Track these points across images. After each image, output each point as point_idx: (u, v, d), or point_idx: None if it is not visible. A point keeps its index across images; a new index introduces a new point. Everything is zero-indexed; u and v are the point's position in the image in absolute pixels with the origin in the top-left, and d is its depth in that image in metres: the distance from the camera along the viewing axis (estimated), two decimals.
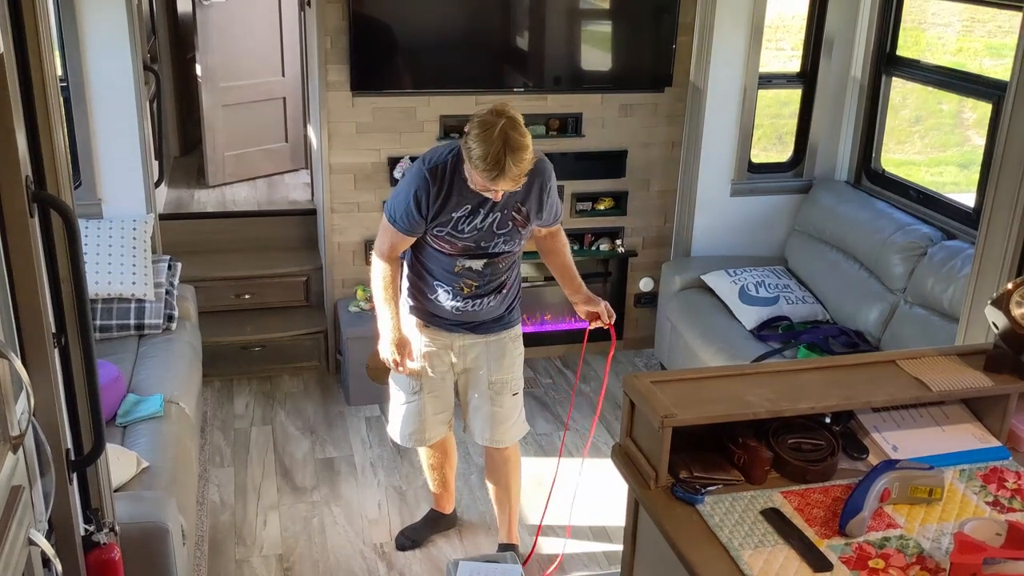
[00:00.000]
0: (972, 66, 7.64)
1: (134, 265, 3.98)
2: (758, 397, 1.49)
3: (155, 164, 4.68)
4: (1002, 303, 1.54)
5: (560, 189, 3.20)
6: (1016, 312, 1.53)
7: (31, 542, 1.20)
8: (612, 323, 3.09)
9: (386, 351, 3.03)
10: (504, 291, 3.02)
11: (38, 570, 1.27)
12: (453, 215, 2.82)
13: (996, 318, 1.56)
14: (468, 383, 3.16)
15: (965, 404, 1.65)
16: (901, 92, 5.42)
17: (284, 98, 6.14)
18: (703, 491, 1.44)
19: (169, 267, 4.15)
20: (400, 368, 3.03)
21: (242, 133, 6.01)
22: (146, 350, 3.85)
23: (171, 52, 6.34)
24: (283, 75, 6.08)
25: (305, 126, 6.02)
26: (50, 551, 1.27)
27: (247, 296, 4.81)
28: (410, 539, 3.52)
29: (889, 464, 1.46)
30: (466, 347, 3.07)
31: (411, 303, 3.07)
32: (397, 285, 3.03)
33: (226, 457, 4.07)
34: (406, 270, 3.05)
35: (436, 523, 3.56)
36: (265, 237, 5.10)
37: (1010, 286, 1.54)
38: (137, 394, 3.47)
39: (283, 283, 4.88)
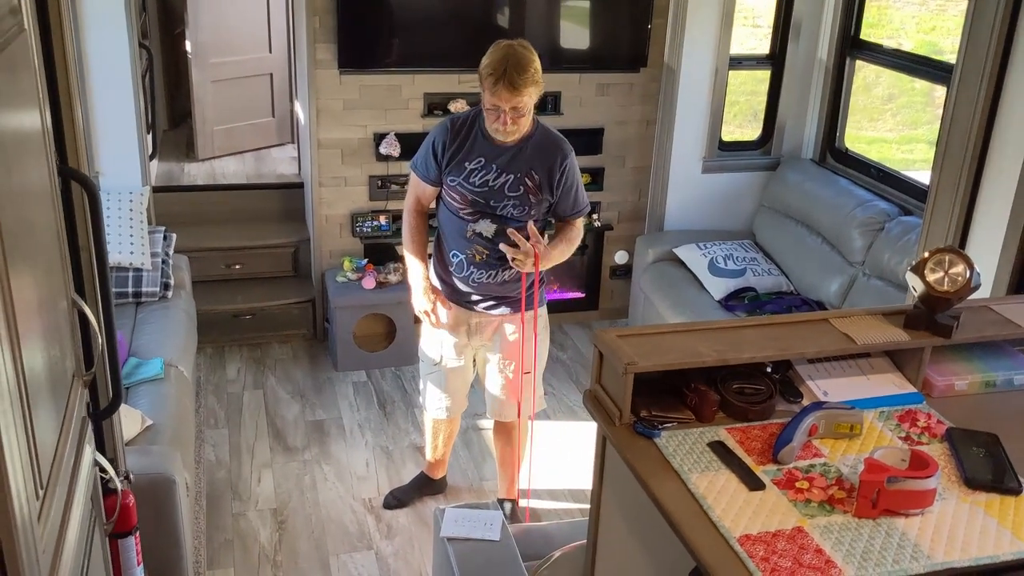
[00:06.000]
0: (944, 44, 7.84)
1: (131, 236, 4.15)
2: (708, 348, 1.73)
3: (148, 138, 4.84)
4: (919, 270, 1.78)
5: None
6: (930, 277, 1.76)
7: (96, 463, 1.41)
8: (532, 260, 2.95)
9: (418, 301, 3.17)
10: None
11: (98, 488, 1.49)
12: (467, 165, 3.00)
13: (915, 282, 1.80)
14: (483, 359, 3.35)
15: (888, 356, 1.90)
16: (875, 70, 5.61)
17: (271, 74, 6.30)
18: (660, 427, 1.69)
19: (164, 237, 4.33)
20: (433, 317, 3.16)
21: (230, 108, 6.16)
22: (144, 317, 4.03)
23: (159, 27, 6.47)
24: (270, 51, 6.23)
25: (291, 101, 6.18)
26: (111, 469, 1.48)
27: (237, 266, 4.99)
28: (397, 499, 3.70)
29: (817, 405, 1.69)
30: (482, 324, 3.22)
31: (436, 278, 3.22)
32: (424, 237, 3.20)
33: (220, 419, 4.27)
34: (434, 242, 3.23)
35: (424, 487, 3.74)
36: (254, 209, 5.26)
37: (926, 255, 1.78)
38: (138, 358, 3.66)
39: (272, 254, 5.06)
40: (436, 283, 3.22)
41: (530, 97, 2.89)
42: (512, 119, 2.89)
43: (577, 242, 3.16)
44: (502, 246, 3.00)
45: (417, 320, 3.39)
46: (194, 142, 6.14)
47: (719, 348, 1.72)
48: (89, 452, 1.40)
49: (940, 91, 7.89)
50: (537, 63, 2.88)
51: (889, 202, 4.32)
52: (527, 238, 2.99)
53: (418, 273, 3.17)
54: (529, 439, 3.53)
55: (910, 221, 4.12)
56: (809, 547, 1.42)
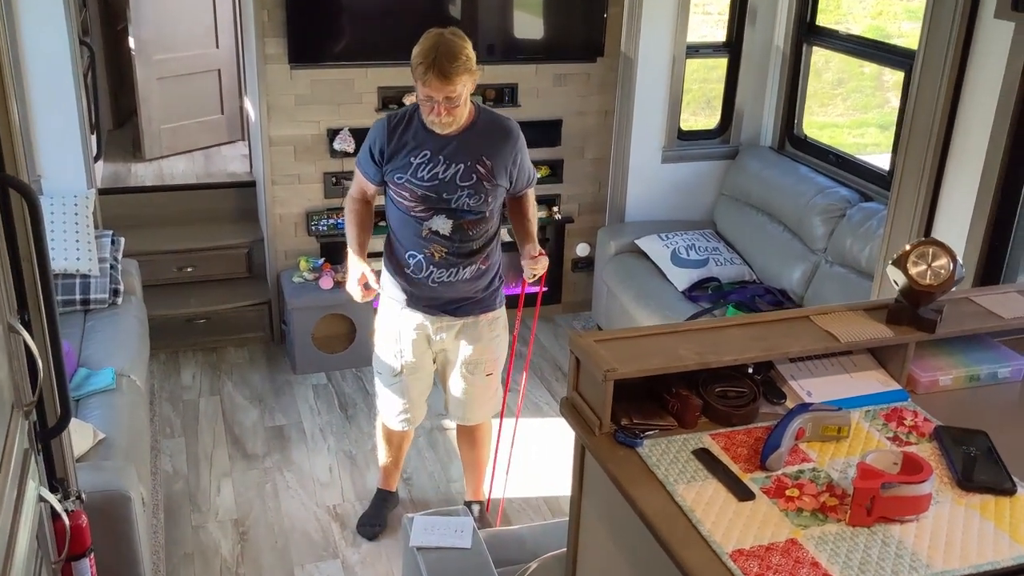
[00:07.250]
0: (892, 28, 7.90)
1: (77, 241, 4.00)
2: (688, 351, 1.66)
3: (92, 139, 4.67)
4: (901, 263, 1.73)
5: None
6: (913, 271, 1.72)
7: (42, 499, 1.31)
8: (534, 282, 3.12)
9: (354, 269, 3.04)
10: (479, 264, 3.05)
11: (47, 525, 1.38)
12: (412, 160, 2.90)
13: (896, 276, 1.75)
14: (445, 362, 3.26)
15: (871, 353, 1.85)
16: (824, 55, 5.62)
17: (219, 70, 6.14)
18: (642, 436, 1.62)
19: (112, 242, 4.18)
20: (366, 294, 3.04)
21: (177, 106, 5.99)
22: (93, 324, 3.89)
23: (101, 24, 6.27)
24: (217, 47, 6.07)
25: (241, 97, 6.02)
26: (58, 506, 1.37)
27: (190, 269, 4.85)
28: (375, 524, 3.52)
29: (803, 407, 1.64)
30: (443, 328, 3.13)
31: (391, 285, 3.12)
32: (365, 221, 3.11)
33: (176, 428, 4.14)
34: (385, 248, 3.14)
35: (387, 502, 3.59)
36: (205, 209, 5.13)
37: (908, 247, 1.73)
38: (87, 368, 3.52)
39: (225, 255, 4.92)
40: (392, 290, 3.13)
41: (463, 86, 2.80)
42: (447, 109, 2.81)
43: (535, 208, 3.20)
44: (524, 263, 3.04)
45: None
46: (141, 142, 5.97)
47: (700, 351, 1.65)
48: (33, 488, 1.30)
49: (889, 75, 7.97)
50: (469, 51, 2.79)
51: (849, 188, 4.31)
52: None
53: (355, 256, 3.06)
54: (497, 440, 3.47)
55: (871, 207, 4.11)
56: (805, 560, 1.36)
